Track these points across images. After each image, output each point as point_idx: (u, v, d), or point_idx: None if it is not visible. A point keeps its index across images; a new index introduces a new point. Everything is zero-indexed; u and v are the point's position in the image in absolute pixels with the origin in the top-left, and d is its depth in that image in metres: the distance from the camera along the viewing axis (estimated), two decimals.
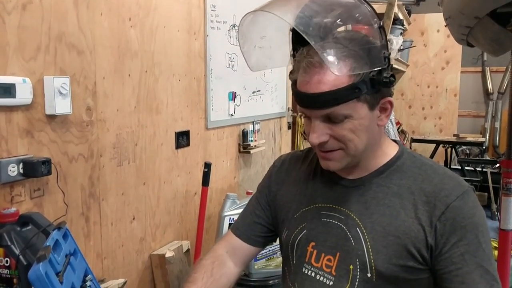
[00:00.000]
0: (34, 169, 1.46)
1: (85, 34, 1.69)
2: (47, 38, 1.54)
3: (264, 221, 1.16)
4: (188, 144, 2.38)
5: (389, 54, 0.92)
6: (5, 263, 1.35)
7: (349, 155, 0.95)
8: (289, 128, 3.75)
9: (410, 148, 6.11)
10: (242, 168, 3.01)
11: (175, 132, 2.28)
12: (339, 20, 0.92)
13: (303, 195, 1.07)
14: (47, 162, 1.49)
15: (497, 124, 6.33)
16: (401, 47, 5.53)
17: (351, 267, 0.95)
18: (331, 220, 1.00)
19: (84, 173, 1.74)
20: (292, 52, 0.98)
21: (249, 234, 1.17)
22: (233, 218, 2.34)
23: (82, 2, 1.67)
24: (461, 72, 6.38)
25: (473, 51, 6.46)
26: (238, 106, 2.85)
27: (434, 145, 5.89)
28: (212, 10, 2.52)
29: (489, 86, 6.38)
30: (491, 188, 5.45)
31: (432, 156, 5.84)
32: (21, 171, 1.45)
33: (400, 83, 6.46)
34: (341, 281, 0.96)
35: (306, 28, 0.87)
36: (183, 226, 2.38)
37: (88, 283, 1.34)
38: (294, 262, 1.05)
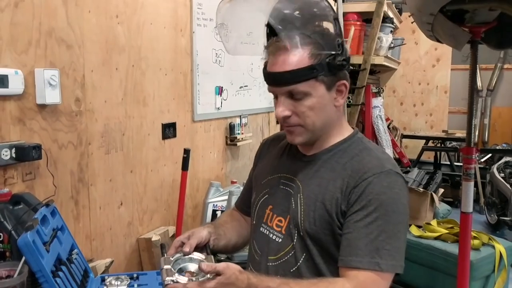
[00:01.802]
0: (25, 153, 1.59)
1: (74, 30, 1.82)
2: (37, 33, 1.67)
3: (250, 193, 1.34)
4: (174, 136, 2.51)
5: (343, 41, 1.08)
6: None
7: (308, 131, 1.10)
8: (277, 122, 3.88)
9: (401, 144, 6.23)
10: (230, 160, 3.14)
11: (162, 124, 2.41)
12: (301, 12, 1.08)
13: (272, 166, 1.25)
14: (37, 148, 1.62)
15: (486, 121, 6.48)
16: (392, 45, 5.65)
17: (292, 227, 1.11)
18: (286, 188, 1.16)
19: (73, 159, 1.87)
20: (265, 45, 1.13)
21: (242, 206, 1.41)
22: (216, 205, 2.48)
23: (71, 0, 1.80)
24: (451, 69, 6.51)
25: (463, 49, 6.58)
26: (225, 100, 2.98)
27: (424, 141, 6.02)
28: (198, 8, 2.65)
29: (479, 83, 6.50)
30: (479, 183, 5.58)
31: (421, 152, 5.98)
32: (14, 155, 1.58)
33: (392, 81, 6.58)
34: (287, 239, 1.12)
35: (276, 18, 1.05)
36: (169, 213, 2.51)
37: (74, 256, 1.47)
38: (255, 222, 1.21)
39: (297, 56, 1.04)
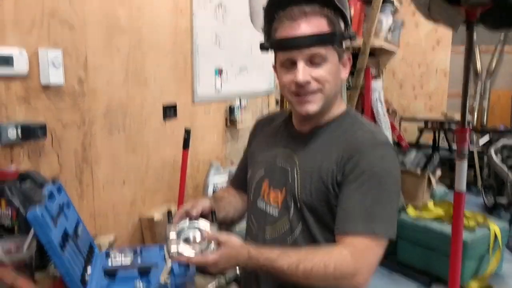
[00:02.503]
0: (31, 133, 1.64)
1: (76, 11, 1.85)
2: (41, 14, 1.69)
3: (244, 172, 1.38)
4: (175, 117, 2.55)
5: (351, 15, 1.13)
6: (7, 214, 1.53)
7: (324, 97, 1.12)
8: (277, 103, 3.91)
9: (400, 127, 6.27)
10: (229, 141, 3.18)
11: (163, 105, 2.44)
12: None
13: (267, 143, 1.29)
14: (42, 127, 1.67)
15: (485, 104, 6.49)
16: (391, 27, 5.65)
17: (288, 200, 1.16)
18: (282, 164, 1.20)
19: (77, 139, 1.91)
20: (263, 27, 1.17)
21: (237, 183, 1.45)
22: (216, 184, 2.53)
23: None
24: (452, 52, 6.50)
25: (463, 32, 6.56)
26: (225, 82, 3.01)
27: (423, 124, 6.05)
28: None
29: (478, 66, 6.50)
30: (477, 166, 5.63)
31: (420, 136, 6.02)
32: (20, 134, 1.62)
33: (392, 63, 6.58)
34: (284, 212, 1.17)
35: None
36: (171, 193, 2.56)
37: (79, 232, 1.52)
38: (252, 197, 1.26)
39: (318, 22, 1.09)
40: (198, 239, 1.10)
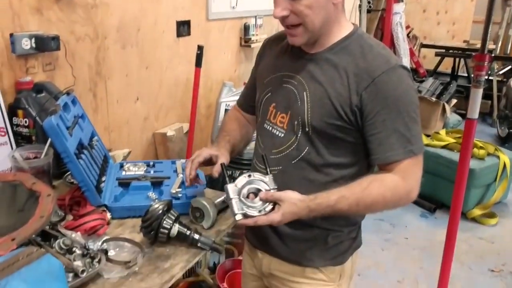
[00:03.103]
0: (44, 43, 1.64)
1: None
2: None
3: (252, 91, 1.38)
4: (189, 34, 2.51)
5: None
6: (24, 123, 1.58)
7: (308, 31, 1.10)
8: None
9: (419, 54, 6.11)
10: (243, 62, 3.15)
11: (176, 21, 2.40)
12: None
13: (274, 65, 1.27)
14: (56, 38, 1.66)
15: (511, 32, 6.23)
16: None
17: (296, 123, 1.16)
18: (288, 86, 1.20)
19: (91, 52, 1.91)
20: None
21: (244, 104, 1.45)
22: (229, 104, 2.54)
23: None
24: None
25: None
26: None
27: (444, 51, 5.88)
28: None
29: None
30: (494, 96, 5.53)
31: (439, 63, 5.87)
32: (33, 45, 1.63)
33: None
34: (289, 133, 1.18)
35: None
36: (183, 111, 2.59)
37: (94, 143, 1.58)
38: (260, 119, 1.27)
39: None
40: (257, 197, 1.09)
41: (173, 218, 1.23)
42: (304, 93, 1.15)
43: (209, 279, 2.15)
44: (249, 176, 1.12)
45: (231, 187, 1.10)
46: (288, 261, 1.27)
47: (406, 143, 1.09)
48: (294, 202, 1.08)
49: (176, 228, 1.22)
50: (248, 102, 1.41)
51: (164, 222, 1.21)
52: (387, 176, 1.10)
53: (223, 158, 1.28)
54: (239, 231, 2.20)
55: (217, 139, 1.41)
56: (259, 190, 1.10)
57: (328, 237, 1.24)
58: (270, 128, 1.23)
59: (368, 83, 1.08)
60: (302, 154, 1.17)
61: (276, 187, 1.11)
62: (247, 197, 1.10)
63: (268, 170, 1.14)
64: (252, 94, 1.37)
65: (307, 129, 1.15)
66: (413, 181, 1.10)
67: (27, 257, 0.69)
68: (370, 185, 1.09)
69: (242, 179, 1.12)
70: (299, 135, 1.16)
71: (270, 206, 1.08)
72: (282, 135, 1.19)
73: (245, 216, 1.07)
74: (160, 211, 1.20)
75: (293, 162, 1.18)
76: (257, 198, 1.10)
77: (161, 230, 1.20)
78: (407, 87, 1.10)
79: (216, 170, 1.25)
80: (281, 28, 1.18)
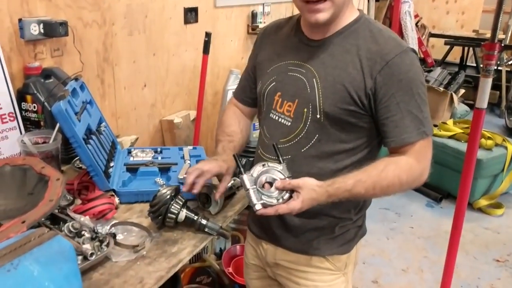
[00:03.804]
0: (52, 29, 1.64)
1: None
2: None
3: (251, 82, 1.36)
4: (196, 21, 2.50)
5: None
6: (32, 109, 1.59)
7: (334, 5, 1.08)
8: None
9: (427, 43, 6.05)
10: (250, 49, 3.12)
11: (184, 8, 2.39)
12: None
13: (276, 54, 1.25)
14: (64, 24, 1.66)
15: None
16: None
17: (305, 110, 1.15)
18: (295, 74, 1.18)
19: (98, 38, 1.91)
20: None
21: (242, 96, 1.41)
22: None
23: None
24: None
25: None
26: None
27: (452, 40, 5.82)
28: None
29: None
30: (503, 87, 5.48)
31: (447, 52, 5.82)
32: (42, 30, 1.63)
33: None
34: (297, 122, 1.17)
35: None
36: (190, 98, 2.60)
37: (102, 129, 1.59)
38: (264, 109, 1.26)
39: None
40: (272, 186, 1.08)
41: (181, 203, 1.23)
42: (314, 80, 1.14)
43: (215, 265, 2.17)
44: (264, 165, 1.11)
45: (247, 177, 1.08)
46: (294, 251, 1.27)
47: (419, 125, 1.10)
48: (312, 188, 1.07)
49: (183, 213, 1.23)
50: (248, 94, 1.38)
51: (172, 207, 1.21)
52: (402, 158, 1.11)
53: (229, 177, 1.29)
54: (245, 218, 2.22)
55: (221, 144, 1.35)
56: (273, 180, 1.10)
57: (336, 226, 1.24)
58: (277, 117, 1.22)
59: (382, 66, 1.08)
60: (312, 142, 1.16)
61: (291, 175, 1.11)
62: (262, 187, 1.09)
63: (281, 159, 1.13)
64: (251, 86, 1.35)
65: (318, 116, 1.14)
66: (426, 162, 1.12)
67: (38, 237, 0.70)
68: (386, 168, 1.10)
69: (257, 168, 1.11)
70: (308, 123, 1.15)
71: (287, 195, 1.07)
72: (289, 123, 1.18)
73: (265, 206, 1.06)
74: (168, 196, 1.21)
75: (302, 150, 1.18)
76: (273, 188, 1.08)
77: (169, 215, 1.21)
78: (418, 70, 1.11)
79: (218, 195, 1.28)
80: (288, 15, 1.16)
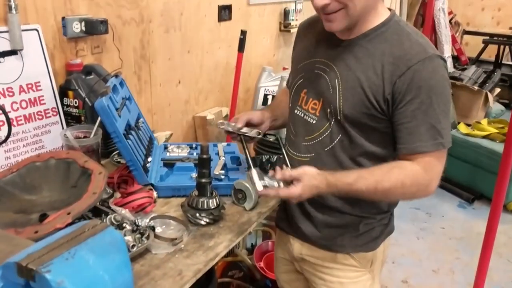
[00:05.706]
0: (93, 27, 1.69)
1: None
2: None
3: None
4: (230, 18, 2.53)
5: None
6: (74, 104, 1.65)
7: (349, 15, 1.07)
8: None
9: (461, 41, 5.91)
10: (282, 46, 3.15)
11: (218, 5, 2.42)
12: None
13: (307, 51, 1.26)
14: (104, 22, 1.71)
15: None
16: None
17: (328, 110, 1.16)
18: (320, 72, 1.19)
19: (136, 36, 1.96)
20: None
21: (290, 84, 1.43)
22: (268, 89, 2.55)
23: None
24: None
25: None
26: None
27: (488, 38, 5.67)
28: None
29: None
30: None
31: (482, 50, 5.67)
32: (83, 28, 1.68)
33: None
34: (322, 120, 1.18)
35: None
36: (223, 95, 2.63)
37: (140, 124, 1.63)
38: (291, 104, 1.28)
39: None
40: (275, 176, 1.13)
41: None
42: (336, 80, 1.14)
43: (247, 259, 2.19)
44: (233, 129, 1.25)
45: (253, 168, 1.15)
46: (319, 247, 1.29)
47: (436, 135, 1.07)
48: (313, 175, 1.10)
49: None
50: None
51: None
52: (408, 164, 1.09)
53: (265, 124, 1.38)
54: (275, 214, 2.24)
55: (270, 105, 1.47)
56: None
57: (360, 224, 1.25)
58: (302, 114, 1.24)
59: (403, 71, 1.06)
60: (335, 142, 1.17)
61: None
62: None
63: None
64: None
65: (339, 117, 1.15)
66: (434, 174, 1.10)
67: (92, 228, 0.74)
68: (390, 171, 1.10)
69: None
70: (332, 123, 1.16)
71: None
72: (314, 122, 1.20)
73: (266, 187, 1.10)
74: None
75: (326, 149, 1.19)
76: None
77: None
78: (441, 79, 1.07)
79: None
80: (321, 14, 1.16)
